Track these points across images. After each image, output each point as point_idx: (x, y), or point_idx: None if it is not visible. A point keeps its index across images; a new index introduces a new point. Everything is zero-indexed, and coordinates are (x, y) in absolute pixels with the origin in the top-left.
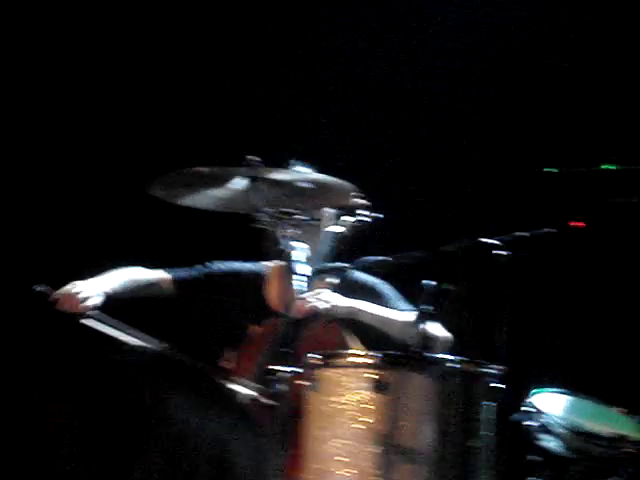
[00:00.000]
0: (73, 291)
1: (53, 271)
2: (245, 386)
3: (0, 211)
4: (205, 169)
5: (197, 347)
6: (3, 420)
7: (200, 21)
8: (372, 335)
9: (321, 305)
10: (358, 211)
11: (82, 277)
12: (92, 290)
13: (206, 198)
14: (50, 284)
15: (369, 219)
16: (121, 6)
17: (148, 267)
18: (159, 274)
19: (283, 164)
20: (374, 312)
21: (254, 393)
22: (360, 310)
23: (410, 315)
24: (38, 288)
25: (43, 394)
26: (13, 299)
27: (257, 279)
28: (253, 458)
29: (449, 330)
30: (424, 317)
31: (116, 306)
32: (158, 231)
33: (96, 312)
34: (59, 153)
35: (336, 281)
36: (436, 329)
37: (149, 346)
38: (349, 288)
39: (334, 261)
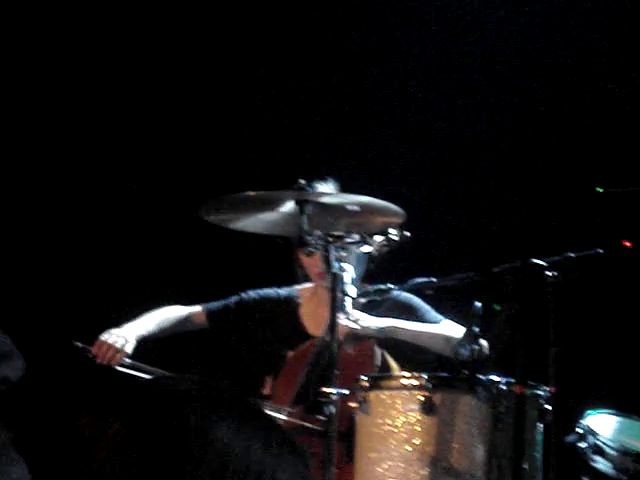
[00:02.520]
0: (109, 341)
1: (101, 308)
2: (280, 413)
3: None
4: (254, 193)
5: (235, 377)
6: (51, 452)
7: (246, 42)
8: (409, 352)
9: (354, 325)
10: (388, 230)
11: (131, 310)
12: (125, 337)
13: (256, 221)
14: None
15: (398, 238)
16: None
17: (192, 293)
18: (192, 309)
19: (327, 186)
20: (409, 328)
21: (290, 419)
22: (397, 327)
23: (446, 326)
24: (78, 344)
25: (90, 424)
26: (56, 348)
27: (290, 303)
28: None
29: (498, 351)
30: (474, 335)
31: (154, 342)
32: (204, 255)
33: (130, 360)
34: (108, 179)
35: (364, 302)
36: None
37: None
38: (382, 305)
39: (366, 282)
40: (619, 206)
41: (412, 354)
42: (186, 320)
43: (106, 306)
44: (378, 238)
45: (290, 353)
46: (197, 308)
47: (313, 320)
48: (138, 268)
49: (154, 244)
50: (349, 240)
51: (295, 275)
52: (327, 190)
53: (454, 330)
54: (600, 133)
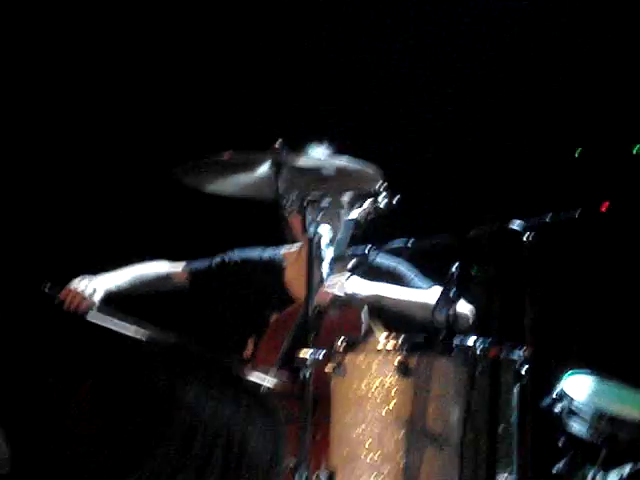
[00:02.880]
0: (78, 289)
1: (76, 263)
2: (264, 376)
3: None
4: (230, 155)
5: (218, 338)
6: (21, 412)
7: (218, 12)
8: (396, 318)
9: (339, 292)
10: (374, 197)
11: (106, 269)
12: (95, 287)
13: (231, 184)
14: (75, 274)
15: (385, 205)
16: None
17: (172, 255)
18: (172, 267)
19: (304, 148)
20: (396, 295)
21: (273, 382)
22: (382, 295)
23: (433, 293)
24: (46, 289)
25: (59, 385)
26: (27, 296)
27: (274, 265)
28: (269, 446)
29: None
30: (450, 299)
31: (132, 299)
32: (182, 218)
33: (96, 311)
34: (84, 141)
35: (351, 266)
36: (460, 306)
37: (157, 337)
38: (370, 273)
39: (350, 246)
40: (597, 168)
41: (400, 322)
42: (165, 279)
43: (83, 265)
44: (366, 204)
45: (274, 316)
46: (179, 267)
47: (298, 283)
48: (117, 229)
49: (134, 205)
50: (326, 203)
51: (283, 236)
52: (318, 154)
53: None
54: (577, 95)
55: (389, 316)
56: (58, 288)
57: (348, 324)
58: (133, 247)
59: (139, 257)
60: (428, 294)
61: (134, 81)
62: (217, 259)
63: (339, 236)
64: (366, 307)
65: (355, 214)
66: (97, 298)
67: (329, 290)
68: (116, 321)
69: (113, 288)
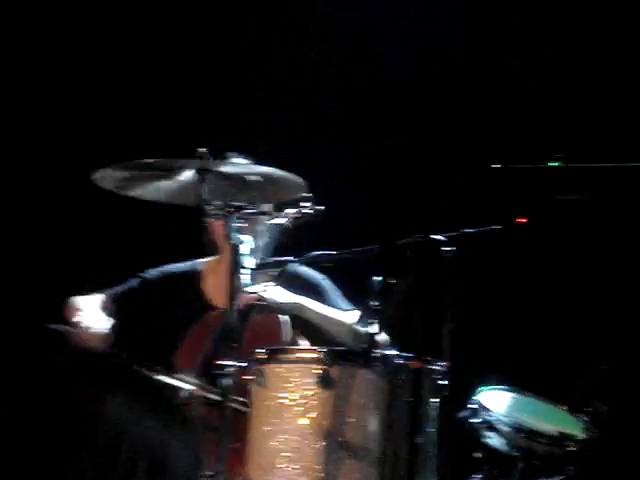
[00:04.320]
0: (85, 325)
1: None
2: (187, 381)
3: None
4: (152, 160)
5: (142, 349)
6: None
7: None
8: (315, 333)
9: (260, 295)
10: (300, 203)
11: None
12: (99, 320)
13: (154, 190)
14: None
15: (311, 211)
16: None
17: (91, 260)
18: (97, 298)
19: (229, 155)
20: (317, 310)
21: (195, 388)
22: (303, 306)
23: (351, 315)
24: (53, 327)
25: None
26: None
27: (193, 276)
28: (191, 455)
29: (394, 325)
30: (366, 318)
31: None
32: (104, 224)
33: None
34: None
35: (276, 274)
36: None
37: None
38: (292, 282)
39: (275, 254)
40: (515, 182)
41: (320, 337)
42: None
43: None
44: (291, 211)
45: (193, 325)
46: (101, 296)
47: (216, 291)
48: (35, 235)
49: (52, 210)
50: (249, 210)
51: (203, 245)
52: (239, 161)
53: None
54: (497, 110)
55: (309, 329)
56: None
57: (269, 334)
58: (53, 253)
59: (61, 262)
60: (347, 315)
61: (52, 82)
62: (136, 280)
63: (265, 240)
64: (288, 318)
65: (282, 219)
66: (105, 331)
67: (250, 293)
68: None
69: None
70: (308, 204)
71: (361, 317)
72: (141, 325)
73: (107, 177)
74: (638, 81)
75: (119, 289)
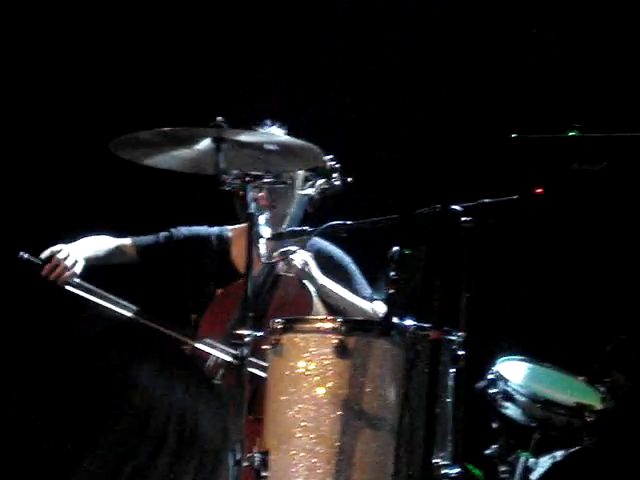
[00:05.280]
0: (59, 257)
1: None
2: (215, 348)
3: None
4: (169, 129)
5: (165, 313)
6: None
7: None
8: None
9: (299, 264)
10: (330, 174)
11: (46, 243)
12: (75, 256)
13: (171, 159)
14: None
15: (339, 183)
16: None
17: (114, 231)
18: (123, 241)
19: (254, 125)
20: (340, 295)
21: (224, 355)
22: (330, 290)
23: (376, 306)
24: (25, 257)
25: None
26: None
27: (221, 242)
28: (219, 426)
29: (411, 295)
30: (389, 281)
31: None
32: (124, 193)
33: (79, 280)
34: (20, 114)
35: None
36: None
37: (121, 312)
38: (319, 260)
39: (302, 225)
40: (533, 153)
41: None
42: (117, 251)
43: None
44: (320, 182)
45: (219, 290)
46: (127, 241)
47: (244, 259)
48: (55, 202)
49: (70, 178)
50: (267, 180)
51: (236, 212)
52: (276, 131)
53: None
54: (514, 79)
55: (328, 306)
56: (37, 258)
57: (300, 304)
58: (71, 220)
59: (77, 231)
60: (373, 307)
61: (69, 52)
62: (164, 234)
63: (292, 211)
64: (313, 288)
65: (309, 191)
66: (78, 269)
67: (296, 263)
68: (95, 292)
69: (91, 255)
70: (337, 175)
71: (381, 283)
72: (163, 282)
73: (124, 146)
74: None
75: (145, 239)
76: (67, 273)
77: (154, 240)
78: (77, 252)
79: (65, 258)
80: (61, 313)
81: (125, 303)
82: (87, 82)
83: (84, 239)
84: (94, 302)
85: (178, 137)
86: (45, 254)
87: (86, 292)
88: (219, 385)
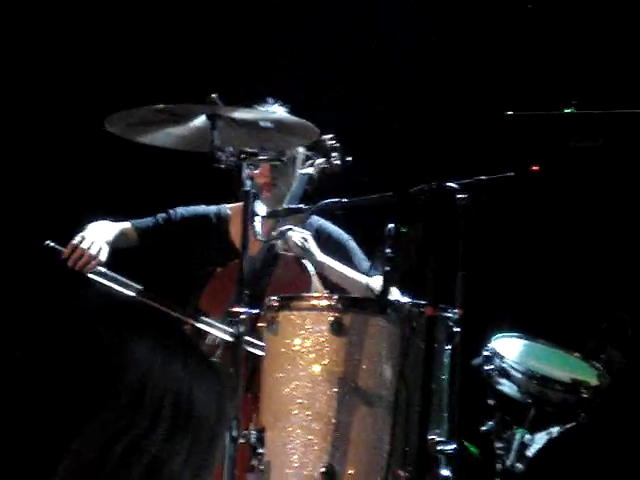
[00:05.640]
0: (83, 246)
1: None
2: (214, 327)
3: None
4: (163, 105)
5: (166, 293)
6: None
7: None
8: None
9: (298, 241)
10: (329, 153)
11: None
12: (99, 244)
13: (166, 136)
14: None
15: (339, 162)
16: None
17: (111, 211)
18: (124, 225)
19: (256, 103)
20: (341, 272)
21: (222, 334)
22: (327, 266)
23: (374, 280)
24: (51, 245)
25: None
26: None
27: (219, 221)
28: (215, 403)
29: (407, 272)
30: (385, 258)
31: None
32: (119, 171)
33: (104, 268)
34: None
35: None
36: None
37: (132, 294)
38: (317, 237)
39: (302, 204)
40: (529, 130)
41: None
42: (122, 236)
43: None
44: (319, 160)
45: (219, 269)
46: (127, 224)
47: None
48: (50, 181)
49: (65, 157)
50: (263, 158)
51: (234, 190)
52: (277, 109)
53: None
54: (510, 56)
55: (327, 283)
56: (62, 247)
57: (299, 283)
58: (68, 200)
59: (74, 211)
60: (372, 281)
61: (61, 29)
62: (162, 216)
63: (292, 190)
64: (312, 266)
65: (309, 169)
66: (103, 257)
67: (296, 240)
68: (119, 280)
69: (112, 240)
70: (336, 154)
71: (377, 260)
72: (163, 262)
73: (118, 122)
74: None
75: (144, 222)
76: (93, 262)
77: (153, 222)
78: (100, 240)
79: (89, 247)
80: (59, 288)
81: (133, 284)
82: (81, 59)
83: (93, 224)
84: (115, 289)
85: (173, 114)
86: (71, 244)
87: (108, 280)
88: (217, 363)
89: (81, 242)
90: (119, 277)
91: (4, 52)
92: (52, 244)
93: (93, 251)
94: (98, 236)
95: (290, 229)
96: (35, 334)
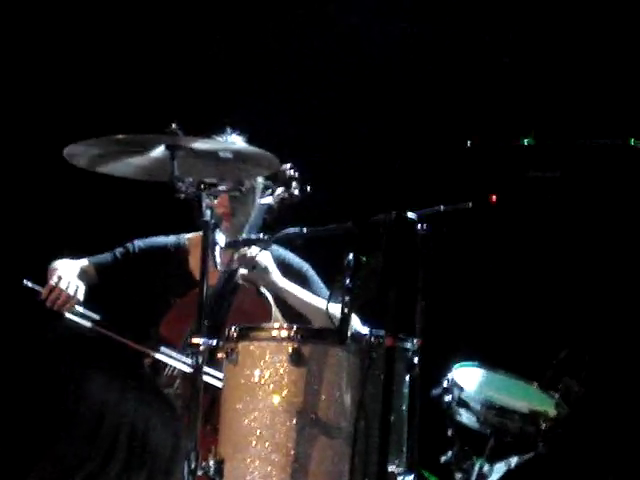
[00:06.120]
0: (61, 286)
1: None
2: (172, 358)
3: None
4: (122, 136)
5: (125, 326)
6: None
7: None
8: (293, 314)
9: (260, 262)
10: (289, 183)
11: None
12: (76, 285)
13: (126, 166)
14: None
15: (298, 191)
16: None
17: (71, 240)
18: (83, 262)
19: (214, 133)
20: (301, 297)
21: (181, 365)
22: (289, 291)
23: (333, 307)
24: (29, 284)
25: None
26: None
27: (178, 251)
28: (170, 436)
29: (366, 302)
30: (345, 289)
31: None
32: (78, 202)
33: (82, 308)
34: None
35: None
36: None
37: (86, 325)
38: (278, 267)
39: (261, 233)
40: (487, 160)
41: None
42: (83, 274)
43: None
44: (279, 190)
45: (179, 300)
46: (85, 262)
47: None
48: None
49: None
50: (222, 188)
51: (194, 220)
52: (236, 139)
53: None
54: (471, 86)
55: (287, 310)
56: (40, 287)
57: (259, 312)
58: (26, 231)
59: (33, 241)
60: (332, 308)
61: (23, 59)
62: (120, 250)
63: (251, 220)
64: (271, 297)
65: (269, 199)
66: (80, 297)
67: (242, 254)
68: (92, 319)
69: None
70: (296, 184)
71: (336, 290)
72: (123, 296)
73: (78, 153)
74: (610, 58)
75: (102, 257)
76: (72, 301)
77: (111, 257)
78: (75, 279)
79: (67, 287)
80: (22, 318)
81: (94, 316)
82: (41, 87)
83: (60, 262)
84: (89, 328)
85: (132, 144)
86: (49, 285)
87: (85, 320)
88: (171, 396)
89: (58, 282)
90: (93, 315)
91: None
92: (30, 284)
93: (71, 291)
94: (73, 275)
95: (252, 251)
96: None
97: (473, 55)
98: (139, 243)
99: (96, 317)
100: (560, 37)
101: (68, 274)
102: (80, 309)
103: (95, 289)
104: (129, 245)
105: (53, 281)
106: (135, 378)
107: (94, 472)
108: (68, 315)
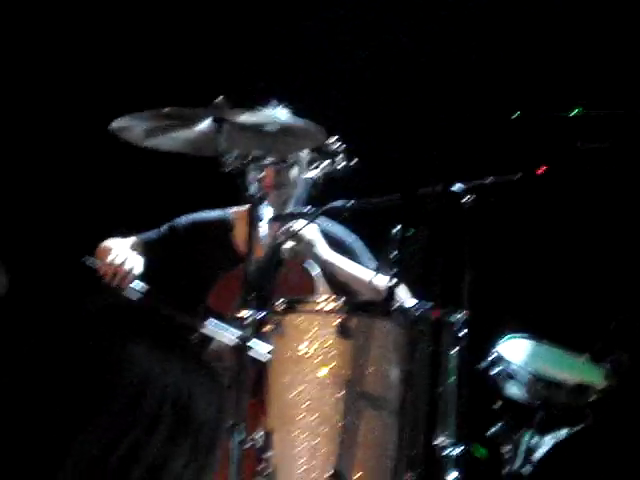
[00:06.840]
0: (117, 263)
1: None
2: (219, 331)
3: None
4: (168, 109)
5: (174, 294)
6: None
7: None
8: (340, 286)
9: (305, 235)
10: (334, 156)
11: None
12: (132, 262)
13: (172, 140)
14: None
15: (344, 164)
16: None
17: (118, 215)
18: (132, 240)
19: (260, 105)
20: (347, 269)
21: (228, 338)
22: (334, 264)
23: (380, 279)
24: (87, 262)
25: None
26: None
27: (223, 225)
28: (215, 408)
29: (413, 275)
30: (390, 262)
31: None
32: (125, 177)
33: (141, 284)
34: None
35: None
36: (403, 293)
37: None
38: (324, 240)
39: (306, 207)
40: (535, 132)
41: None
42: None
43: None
44: (324, 163)
45: (226, 274)
46: (133, 239)
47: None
48: (57, 189)
49: (70, 163)
50: (268, 161)
51: (240, 194)
52: (281, 112)
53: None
54: (518, 57)
55: (334, 283)
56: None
57: (304, 285)
58: (76, 208)
59: (79, 217)
60: (379, 280)
61: (67, 33)
62: (166, 227)
63: (297, 193)
64: (320, 271)
65: (313, 173)
66: (137, 273)
67: (288, 228)
68: (149, 292)
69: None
70: (341, 157)
71: (382, 263)
72: (171, 272)
73: (126, 127)
74: None
75: (150, 234)
76: (128, 278)
77: (158, 234)
78: (133, 257)
79: (123, 263)
80: (64, 288)
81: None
82: (86, 62)
83: (111, 241)
84: (137, 301)
85: (178, 118)
86: (106, 262)
87: (143, 297)
88: (216, 368)
89: (115, 259)
90: (155, 296)
91: (4, 57)
92: (89, 261)
93: (127, 267)
94: (129, 251)
95: (298, 226)
96: (37, 334)
97: (521, 25)
98: (184, 219)
99: (151, 290)
100: (610, 5)
101: (124, 250)
102: (139, 284)
103: (144, 266)
104: (175, 221)
105: (111, 257)
106: (180, 349)
107: (137, 443)
108: (128, 293)
